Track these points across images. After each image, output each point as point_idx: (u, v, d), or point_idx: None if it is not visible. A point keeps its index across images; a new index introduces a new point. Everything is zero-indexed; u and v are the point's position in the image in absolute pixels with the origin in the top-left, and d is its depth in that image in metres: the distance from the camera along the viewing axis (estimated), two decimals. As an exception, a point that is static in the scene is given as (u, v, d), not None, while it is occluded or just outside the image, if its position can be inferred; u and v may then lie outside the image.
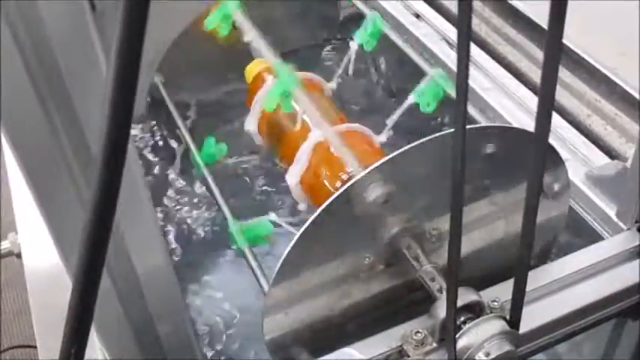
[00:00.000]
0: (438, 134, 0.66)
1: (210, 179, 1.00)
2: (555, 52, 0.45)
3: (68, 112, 0.38)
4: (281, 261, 0.64)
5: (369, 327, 0.72)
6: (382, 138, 1.03)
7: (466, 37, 0.41)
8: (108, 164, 0.32)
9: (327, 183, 0.92)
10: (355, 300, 0.72)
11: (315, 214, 0.64)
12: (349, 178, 0.89)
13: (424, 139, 0.65)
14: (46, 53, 0.36)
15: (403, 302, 0.75)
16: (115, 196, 0.33)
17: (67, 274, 0.45)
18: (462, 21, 0.40)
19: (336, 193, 0.64)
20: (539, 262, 0.83)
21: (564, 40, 1.01)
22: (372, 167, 0.64)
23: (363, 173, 0.64)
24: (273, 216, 0.95)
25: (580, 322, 0.76)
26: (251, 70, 1.13)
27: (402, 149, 0.65)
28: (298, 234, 0.63)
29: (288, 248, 0.64)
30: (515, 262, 0.59)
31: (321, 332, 0.71)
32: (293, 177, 0.94)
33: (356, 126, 0.96)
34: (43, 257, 0.80)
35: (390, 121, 1.04)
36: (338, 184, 0.90)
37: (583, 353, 0.94)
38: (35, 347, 0.76)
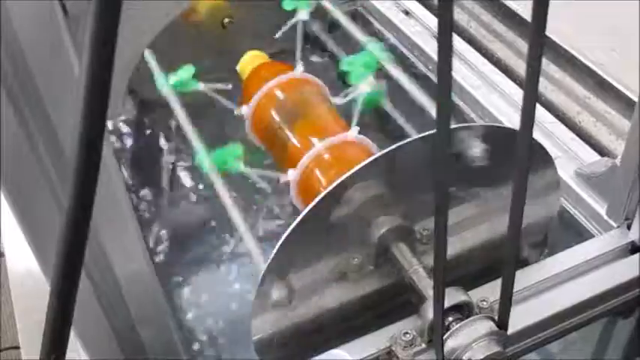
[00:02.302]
0: (426, 133, 0.65)
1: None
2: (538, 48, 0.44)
3: (41, 115, 0.37)
4: (270, 260, 0.63)
5: (359, 328, 0.71)
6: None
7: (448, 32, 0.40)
8: (82, 167, 0.32)
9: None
10: (344, 300, 0.72)
11: (303, 212, 0.63)
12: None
13: (411, 139, 0.65)
14: (17, 57, 0.35)
15: (393, 303, 0.75)
16: (90, 198, 0.32)
17: (46, 280, 0.44)
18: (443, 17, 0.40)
19: (323, 192, 0.63)
20: (530, 261, 0.83)
21: (554, 37, 1.01)
22: (359, 166, 0.64)
23: (350, 173, 0.64)
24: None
25: (570, 321, 0.76)
26: (245, 66, 1.10)
27: (390, 148, 0.64)
28: (287, 232, 0.63)
29: (277, 246, 0.63)
30: (503, 262, 0.58)
31: (310, 333, 0.71)
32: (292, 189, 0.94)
33: (354, 136, 0.95)
34: (26, 256, 0.80)
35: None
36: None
37: (573, 352, 0.93)
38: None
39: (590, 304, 0.76)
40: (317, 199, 0.63)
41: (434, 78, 1.13)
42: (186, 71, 1.03)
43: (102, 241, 0.46)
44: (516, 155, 0.50)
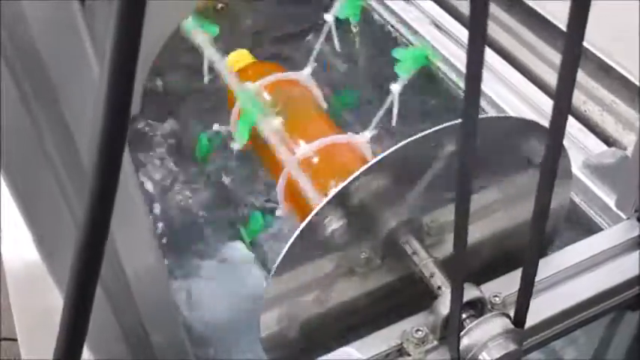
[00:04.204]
0: (435, 129, 0.64)
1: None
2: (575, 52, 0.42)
3: (55, 113, 0.35)
4: (280, 257, 0.61)
5: (367, 323, 0.70)
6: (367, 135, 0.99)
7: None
8: (103, 172, 0.29)
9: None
10: (352, 296, 0.70)
11: (317, 209, 0.61)
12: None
13: (419, 135, 0.63)
14: (29, 51, 0.32)
15: (401, 298, 0.73)
16: (109, 207, 0.30)
17: (59, 291, 0.42)
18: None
19: (337, 188, 0.61)
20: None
21: (558, 24, 0.99)
22: (370, 164, 0.62)
23: (362, 169, 0.62)
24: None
25: (581, 316, 0.74)
26: (232, 62, 1.06)
27: (400, 145, 0.63)
28: (298, 230, 0.61)
29: (288, 244, 0.61)
30: (525, 260, 0.56)
31: (318, 329, 0.69)
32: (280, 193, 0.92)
33: (339, 137, 0.93)
34: (23, 251, 0.77)
35: (375, 120, 0.99)
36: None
37: (579, 344, 0.92)
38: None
39: (600, 298, 0.75)
40: (328, 198, 0.61)
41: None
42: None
43: (112, 235, 0.43)
44: (545, 154, 0.48)
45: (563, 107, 0.45)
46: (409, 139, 0.63)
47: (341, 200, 0.63)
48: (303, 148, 0.90)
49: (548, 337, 0.73)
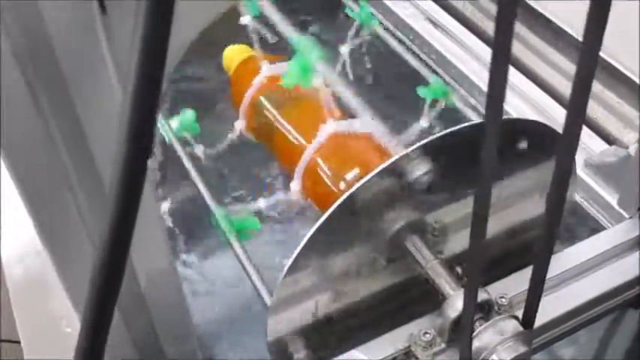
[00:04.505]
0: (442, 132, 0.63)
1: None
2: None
3: (71, 124, 0.34)
4: (291, 260, 0.60)
5: (372, 326, 0.69)
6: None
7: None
8: (125, 188, 0.28)
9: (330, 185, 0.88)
10: (358, 298, 0.69)
11: (331, 209, 0.61)
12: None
13: (435, 136, 0.62)
14: (46, 59, 0.31)
15: (406, 299, 0.72)
16: (130, 228, 0.29)
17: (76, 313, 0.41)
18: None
19: (352, 189, 0.60)
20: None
21: (557, 20, 0.98)
22: (387, 163, 0.61)
23: (373, 173, 0.61)
24: (262, 202, 0.91)
25: (585, 315, 0.74)
26: (232, 56, 1.05)
27: (418, 145, 0.62)
28: (312, 230, 0.60)
29: (301, 245, 0.60)
30: (534, 263, 0.56)
31: (325, 332, 0.68)
32: (296, 183, 0.90)
33: (364, 124, 0.92)
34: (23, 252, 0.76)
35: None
36: (342, 185, 0.86)
37: (580, 342, 0.92)
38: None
39: (604, 298, 0.75)
40: (340, 200, 0.60)
41: (432, 64, 1.10)
42: (188, 115, 0.98)
43: None
44: (558, 154, 0.48)
45: (581, 102, 0.44)
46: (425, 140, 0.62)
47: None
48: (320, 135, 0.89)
49: (554, 337, 0.73)
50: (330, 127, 0.89)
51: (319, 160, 0.86)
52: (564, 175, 0.49)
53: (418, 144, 0.63)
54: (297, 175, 0.88)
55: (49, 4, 0.30)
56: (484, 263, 0.51)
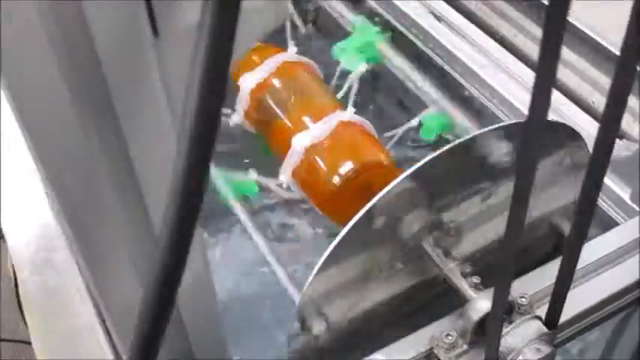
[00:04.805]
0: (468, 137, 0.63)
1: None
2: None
3: (120, 152, 0.33)
4: (318, 267, 0.60)
5: (391, 329, 0.69)
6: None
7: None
8: (180, 223, 0.27)
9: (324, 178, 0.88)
10: (377, 302, 0.69)
11: (358, 215, 0.60)
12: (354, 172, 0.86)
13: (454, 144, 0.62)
14: (96, 84, 0.30)
15: (424, 301, 0.72)
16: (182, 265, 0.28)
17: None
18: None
19: (381, 193, 0.60)
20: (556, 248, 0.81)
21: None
22: (407, 173, 0.61)
23: (402, 177, 0.60)
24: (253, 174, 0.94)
25: (601, 313, 0.74)
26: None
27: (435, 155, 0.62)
28: (339, 236, 0.60)
29: (334, 244, 0.60)
30: (561, 264, 0.56)
31: (345, 338, 0.68)
32: (287, 169, 0.90)
33: (355, 117, 0.92)
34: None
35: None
36: (335, 179, 0.86)
37: (587, 340, 0.92)
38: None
39: (620, 294, 0.74)
40: (358, 217, 0.60)
41: (436, 57, 1.09)
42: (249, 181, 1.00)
43: None
44: (592, 154, 0.47)
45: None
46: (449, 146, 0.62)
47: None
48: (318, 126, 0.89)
49: (570, 335, 0.73)
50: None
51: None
52: (601, 168, 0.49)
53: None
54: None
55: (99, 25, 0.28)
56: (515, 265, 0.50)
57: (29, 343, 0.96)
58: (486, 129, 0.63)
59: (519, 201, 0.45)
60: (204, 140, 0.25)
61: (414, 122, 1.07)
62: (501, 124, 0.66)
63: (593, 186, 0.49)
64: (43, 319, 0.66)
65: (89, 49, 0.28)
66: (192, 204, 0.26)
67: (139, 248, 0.38)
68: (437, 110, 1.08)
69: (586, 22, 0.93)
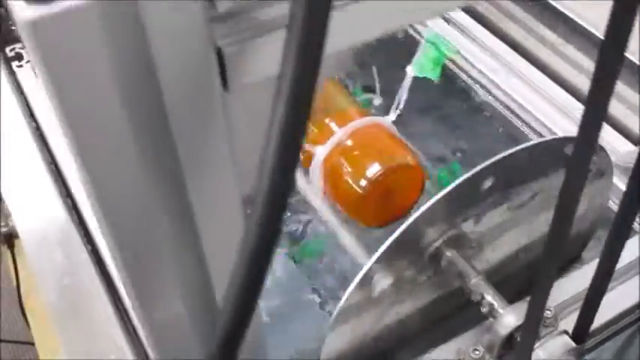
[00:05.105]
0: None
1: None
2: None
3: (181, 201, 0.32)
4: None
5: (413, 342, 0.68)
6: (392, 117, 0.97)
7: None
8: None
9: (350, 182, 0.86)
10: (402, 316, 0.68)
11: (398, 231, 0.61)
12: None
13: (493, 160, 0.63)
14: (162, 133, 0.29)
15: (447, 313, 0.71)
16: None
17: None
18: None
19: (421, 210, 0.61)
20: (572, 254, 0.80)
21: (578, 19, 0.97)
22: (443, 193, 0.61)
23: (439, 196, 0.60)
24: None
25: (623, 322, 0.73)
26: None
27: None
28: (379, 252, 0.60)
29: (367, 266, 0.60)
30: (592, 279, 0.55)
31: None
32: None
33: (377, 119, 0.91)
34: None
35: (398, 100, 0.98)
36: (362, 182, 0.84)
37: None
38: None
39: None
40: (404, 227, 0.60)
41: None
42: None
43: (205, 261, 0.40)
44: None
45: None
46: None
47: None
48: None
49: (592, 346, 0.72)
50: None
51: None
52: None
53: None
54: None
55: (168, 74, 0.28)
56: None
57: (29, 344, 0.96)
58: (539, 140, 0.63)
59: (564, 217, 0.44)
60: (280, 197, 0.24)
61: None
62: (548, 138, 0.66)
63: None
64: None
65: (157, 99, 0.28)
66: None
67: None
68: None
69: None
